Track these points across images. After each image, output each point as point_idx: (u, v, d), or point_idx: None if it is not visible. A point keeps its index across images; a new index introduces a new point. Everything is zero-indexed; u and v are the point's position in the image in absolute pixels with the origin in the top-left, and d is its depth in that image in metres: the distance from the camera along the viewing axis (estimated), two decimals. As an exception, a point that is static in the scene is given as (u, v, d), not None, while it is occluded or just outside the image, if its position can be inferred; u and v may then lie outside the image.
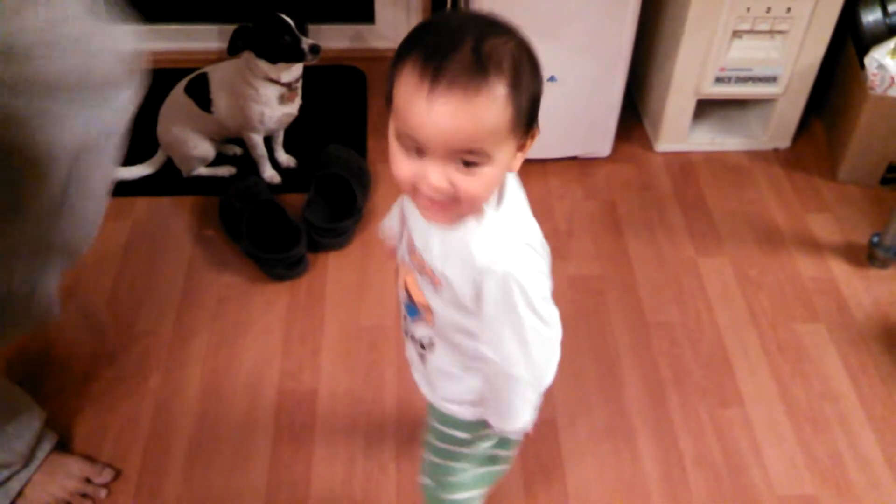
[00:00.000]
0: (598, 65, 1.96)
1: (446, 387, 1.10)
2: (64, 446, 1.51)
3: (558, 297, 1.81)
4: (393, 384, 1.63)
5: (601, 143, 2.12)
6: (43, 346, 1.68)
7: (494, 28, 0.85)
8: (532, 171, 2.10)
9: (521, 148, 0.89)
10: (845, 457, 1.55)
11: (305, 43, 1.80)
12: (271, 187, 2.01)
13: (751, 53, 2.00)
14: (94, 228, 1.36)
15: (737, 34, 1.96)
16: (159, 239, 1.92)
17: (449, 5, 2.09)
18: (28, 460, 1.44)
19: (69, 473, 1.46)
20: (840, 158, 2.09)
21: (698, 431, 1.58)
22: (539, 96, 0.88)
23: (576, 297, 1.81)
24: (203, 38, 2.39)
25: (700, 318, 1.78)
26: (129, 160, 2.05)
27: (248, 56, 1.85)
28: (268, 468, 1.50)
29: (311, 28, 1.87)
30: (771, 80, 2.04)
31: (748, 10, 1.90)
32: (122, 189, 2.01)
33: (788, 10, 1.91)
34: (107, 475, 1.48)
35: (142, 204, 1.99)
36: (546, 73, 2.08)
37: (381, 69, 2.42)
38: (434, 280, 0.97)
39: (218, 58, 1.94)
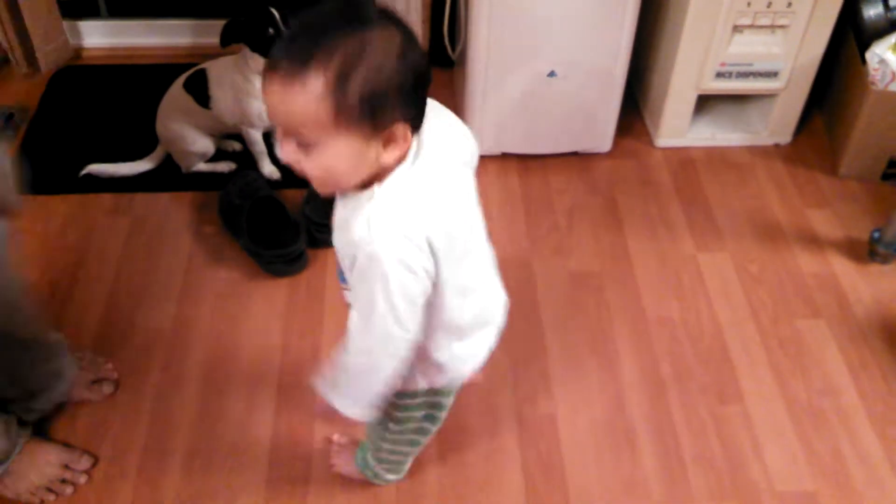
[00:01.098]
0: (598, 60, 1.95)
1: None
2: (41, 433, 1.51)
3: (558, 291, 1.81)
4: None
5: (601, 138, 2.11)
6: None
7: (354, 21, 0.88)
8: (532, 166, 2.10)
9: (388, 142, 0.92)
10: (845, 453, 1.54)
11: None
12: (271, 183, 2.00)
13: (752, 48, 1.99)
14: None
15: (737, 29, 1.95)
16: (158, 234, 1.91)
17: (449, 1, 2.08)
18: (8, 454, 1.44)
19: (48, 461, 1.46)
20: (841, 154, 2.09)
21: (698, 428, 1.58)
22: (384, 93, 0.88)
23: (575, 293, 1.81)
24: (202, 34, 2.38)
25: (700, 314, 1.77)
26: (128, 156, 2.05)
27: (244, 51, 1.85)
28: (267, 464, 1.50)
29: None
30: (772, 74, 2.04)
31: (749, 4, 1.90)
32: (122, 185, 2.01)
33: (789, 4, 1.90)
34: (85, 462, 1.49)
35: (141, 199, 1.99)
36: (546, 67, 2.07)
37: (380, 64, 2.40)
38: (337, 247, 1.04)
39: (217, 53, 1.93)
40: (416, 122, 0.94)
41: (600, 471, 1.51)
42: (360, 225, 0.94)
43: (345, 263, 1.01)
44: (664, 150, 2.17)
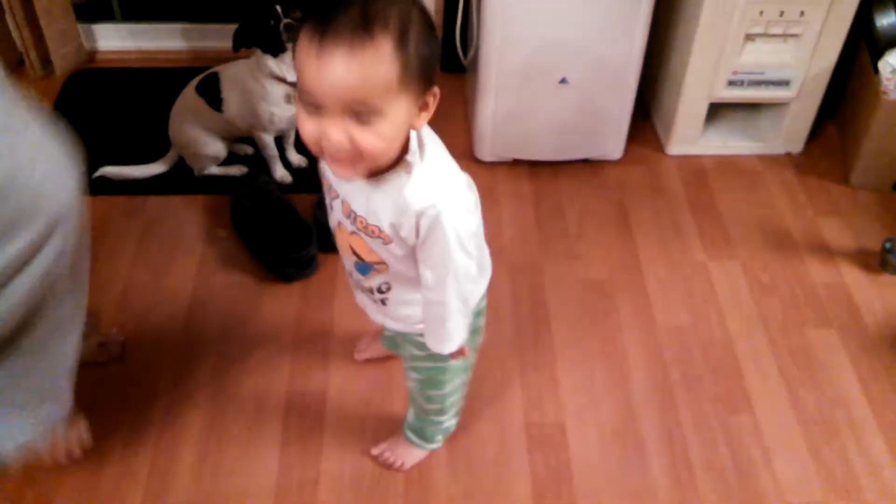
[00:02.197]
0: (610, 67, 1.95)
1: (414, 313, 1.19)
2: None
3: (567, 298, 1.81)
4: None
5: (613, 145, 2.12)
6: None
7: None
8: (543, 172, 2.10)
9: (423, 108, 0.97)
10: (856, 464, 1.54)
11: (282, 22, 1.78)
12: (282, 187, 2.01)
13: (764, 57, 1.99)
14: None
15: (750, 37, 1.95)
16: (171, 237, 1.92)
17: (461, 7, 2.09)
18: None
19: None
20: (853, 163, 2.08)
21: (708, 436, 1.57)
22: (433, 58, 0.94)
23: (585, 300, 1.81)
24: (215, 38, 2.39)
25: (710, 323, 1.77)
26: (141, 159, 2.06)
27: (256, 54, 1.86)
28: (277, 468, 1.50)
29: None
30: (784, 83, 2.03)
31: (761, 13, 1.90)
32: (135, 187, 2.02)
33: (802, 13, 1.90)
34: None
35: (153, 202, 2.00)
36: (558, 75, 2.07)
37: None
38: (383, 237, 1.06)
39: (229, 57, 1.94)
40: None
41: (609, 478, 1.51)
42: (416, 195, 0.99)
43: (411, 239, 1.04)
44: (675, 157, 2.17)
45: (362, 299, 1.26)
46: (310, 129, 0.93)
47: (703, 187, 2.09)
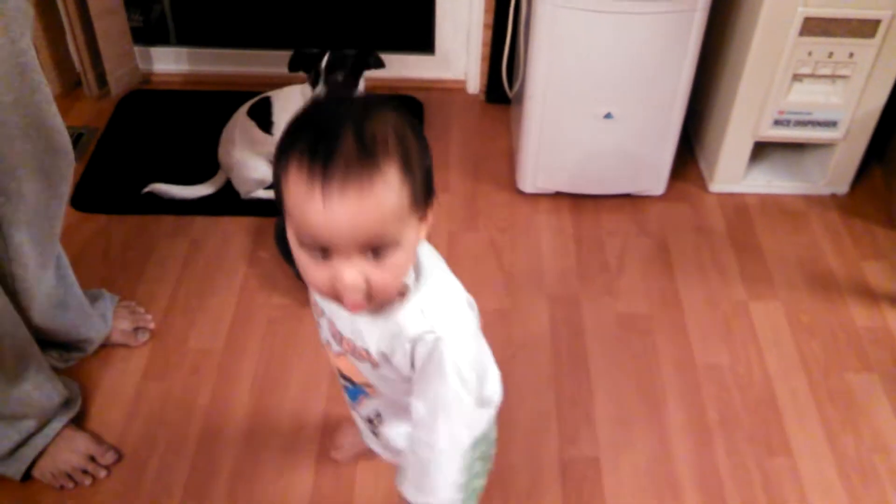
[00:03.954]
0: (655, 102, 1.96)
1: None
2: (77, 422, 1.57)
3: (606, 333, 1.81)
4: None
5: (655, 181, 2.12)
6: (97, 364, 1.72)
7: (370, 109, 0.82)
8: (585, 206, 2.11)
9: (422, 219, 0.87)
10: (895, 513, 1.51)
11: (322, 76, 1.86)
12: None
13: (811, 97, 1.98)
14: None
15: (797, 77, 1.95)
16: (215, 257, 1.96)
17: (509, 38, 2.11)
18: (43, 424, 1.49)
19: (75, 449, 1.52)
20: (899, 206, 2.06)
21: (744, 478, 1.56)
22: (430, 166, 0.86)
23: (623, 336, 1.81)
24: (266, 63, 2.44)
25: (750, 363, 1.76)
26: (190, 180, 2.10)
27: (307, 81, 1.90)
28: (311, 490, 1.52)
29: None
30: (831, 124, 2.02)
31: (809, 54, 1.89)
32: (182, 207, 2.07)
33: (851, 55, 1.89)
34: (110, 457, 1.54)
35: (200, 222, 2.04)
36: (603, 109, 2.07)
37: (438, 99, 2.45)
38: (371, 360, 0.97)
39: (280, 83, 1.99)
40: None
41: (642, 516, 1.50)
42: (411, 319, 0.90)
43: (403, 368, 0.95)
44: (719, 195, 2.16)
45: (359, 424, 1.16)
46: (320, 276, 0.85)
47: (746, 226, 2.08)
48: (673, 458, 1.59)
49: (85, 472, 1.51)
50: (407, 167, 0.81)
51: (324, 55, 1.86)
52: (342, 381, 1.08)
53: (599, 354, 1.77)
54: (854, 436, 1.63)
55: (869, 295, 1.91)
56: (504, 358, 1.74)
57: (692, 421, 1.65)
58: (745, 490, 1.54)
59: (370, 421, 1.11)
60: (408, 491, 1.04)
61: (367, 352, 0.96)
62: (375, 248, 0.82)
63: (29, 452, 1.49)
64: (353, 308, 0.87)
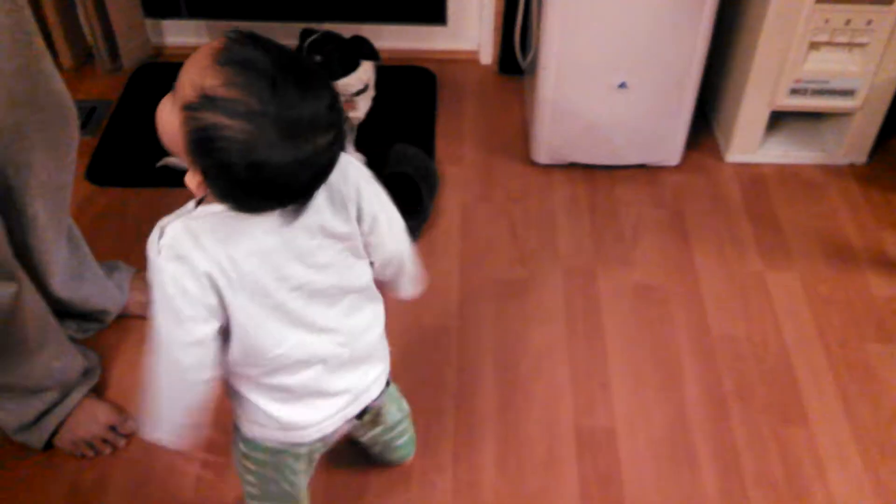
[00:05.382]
0: (670, 72, 1.94)
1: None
2: (97, 392, 1.59)
3: (621, 304, 1.80)
4: (454, 384, 1.64)
5: (670, 151, 2.10)
6: (115, 334, 1.73)
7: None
8: (599, 177, 2.10)
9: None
10: (913, 482, 1.51)
11: (304, 53, 1.84)
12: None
13: (828, 66, 1.96)
14: None
15: (814, 45, 1.92)
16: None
17: (521, 8, 2.09)
18: (64, 394, 1.51)
19: (95, 418, 1.53)
20: (918, 176, 2.04)
21: (760, 448, 1.55)
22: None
23: (639, 306, 1.80)
24: (277, 36, 2.40)
25: (766, 333, 1.75)
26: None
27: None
28: (324, 485, 1.52)
29: (384, 28, 1.89)
30: (848, 93, 2.00)
31: (826, 21, 1.87)
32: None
33: (869, 22, 1.86)
34: (130, 426, 1.55)
35: (213, 196, 2.04)
36: (617, 78, 2.07)
37: (451, 70, 2.43)
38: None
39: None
40: None
41: (658, 487, 1.50)
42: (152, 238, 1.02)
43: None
44: (734, 165, 2.15)
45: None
46: None
47: (763, 196, 2.06)
48: (688, 427, 1.59)
49: (105, 441, 1.53)
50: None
51: (313, 34, 1.84)
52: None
53: (614, 325, 1.76)
54: (872, 406, 1.62)
55: (888, 265, 1.89)
56: (519, 328, 1.74)
57: (708, 391, 1.64)
58: (760, 460, 1.54)
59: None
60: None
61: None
62: None
63: (51, 422, 1.50)
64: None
